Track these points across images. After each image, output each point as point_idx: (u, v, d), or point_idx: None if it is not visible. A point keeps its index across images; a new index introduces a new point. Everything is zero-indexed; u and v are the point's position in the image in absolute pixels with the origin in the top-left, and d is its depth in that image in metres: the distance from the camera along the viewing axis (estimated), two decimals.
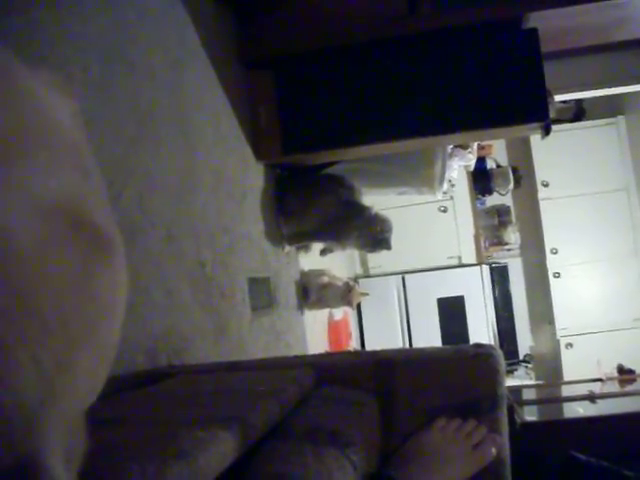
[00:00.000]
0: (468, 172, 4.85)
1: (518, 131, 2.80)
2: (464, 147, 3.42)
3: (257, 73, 2.62)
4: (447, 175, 3.29)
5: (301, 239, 2.91)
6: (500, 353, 1.29)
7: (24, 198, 0.35)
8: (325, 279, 3.15)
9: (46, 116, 0.41)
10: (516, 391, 3.89)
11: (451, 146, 3.31)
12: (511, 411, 2.96)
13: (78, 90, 1.38)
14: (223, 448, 0.76)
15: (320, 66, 2.63)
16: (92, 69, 1.46)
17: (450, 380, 1.24)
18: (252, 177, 2.58)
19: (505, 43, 2.51)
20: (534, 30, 2.48)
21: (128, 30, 1.67)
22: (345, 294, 3.10)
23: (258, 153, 2.62)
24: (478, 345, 1.31)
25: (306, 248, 3.11)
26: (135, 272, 1.52)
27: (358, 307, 5.00)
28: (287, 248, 2.90)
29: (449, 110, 2.50)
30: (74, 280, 0.38)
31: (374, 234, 2.81)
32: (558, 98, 3.73)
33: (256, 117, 2.60)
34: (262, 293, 2.52)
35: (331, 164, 2.99)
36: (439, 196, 3.65)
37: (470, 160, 3.54)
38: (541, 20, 2.51)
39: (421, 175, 3.25)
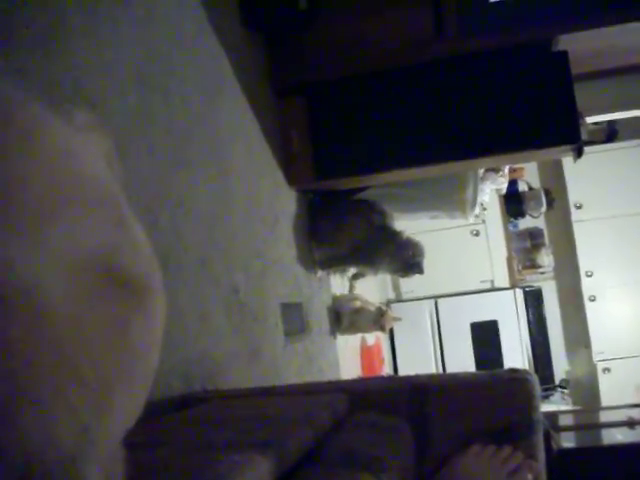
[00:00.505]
0: (500, 195, 4.83)
1: (550, 153, 2.80)
2: (496, 170, 3.41)
3: (289, 99, 2.66)
4: (479, 199, 3.28)
5: (333, 263, 2.92)
6: (535, 378, 1.28)
7: (56, 255, 0.36)
8: (358, 304, 3.15)
9: (77, 171, 0.42)
10: (552, 417, 3.82)
11: (483, 170, 3.31)
12: (547, 437, 2.91)
13: (116, 117, 1.42)
14: (258, 472, 0.77)
15: (350, 91, 2.65)
16: (129, 97, 1.49)
17: (485, 405, 1.23)
18: (284, 202, 2.60)
19: (535, 66, 2.52)
20: (564, 53, 2.48)
21: (162, 59, 1.71)
22: (378, 318, 3.09)
23: (290, 178, 2.64)
24: (513, 370, 1.30)
25: (341, 272, 3.12)
26: (169, 297, 1.53)
27: (391, 332, 4.98)
28: (319, 273, 2.91)
29: (480, 134, 2.51)
30: (109, 331, 0.40)
31: (406, 259, 2.80)
32: (590, 120, 3.71)
33: (288, 142, 2.63)
34: (295, 318, 2.53)
35: (363, 189, 3.00)
36: (471, 220, 3.64)
37: (502, 183, 3.53)
38: (572, 42, 2.51)
39: (453, 199, 3.24)
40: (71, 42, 1.29)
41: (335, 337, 3.09)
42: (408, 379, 1.33)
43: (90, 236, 0.39)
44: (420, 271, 2.89)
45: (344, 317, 3.08)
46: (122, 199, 0.47)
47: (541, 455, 1.23)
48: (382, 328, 3.13)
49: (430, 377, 1.33)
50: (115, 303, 0.41)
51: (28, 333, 0.33)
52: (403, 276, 2.95)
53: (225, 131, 2.09)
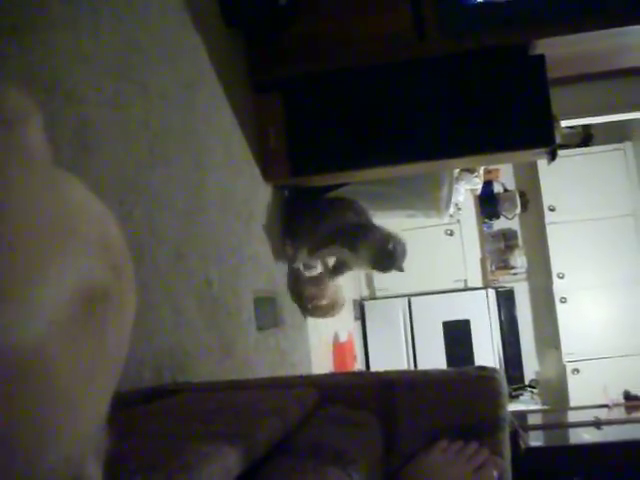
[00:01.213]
0: (475, 196, 4.87)
1: (524, 156, 2.83)
2: (471, 171, 3.45)
3: (266, 95, 2.66)
4: (454, 198, 3.31)
5: (313, 251, 2.89)
6: (503, 376, 1.30)
7: (46, 307, 0.37)
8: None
9: (78, 212, 0.44)
10: (521, 416, 3.87)
11: (458, 170, 3.34)
12: (516, 436, 2.95)
13: (92, 109, 1.41)
14: (227, 463, 0.77)
15: (328, 89, 2.66)
16: (105, 90, 1.49)
17: (453, 402, 1.25)
18: (260, 198, 2.61)
19: (512, 69, 2.54)
20: (541, 56, 2.51)
21: (141, 52, 1.70)
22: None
23: (266, 174, 2.64)
24: (481, 368, 1.32)
25: (322, 258, 3.07)
26: (143, 289, 1.54)
27: (363, 329, 5.01)
28: (300, 265, 2.91)
29: (455, 134, 2.53)
30: (90, 349, 0.43)
31: (386, 251, 2.78)
32: (565, 124, 3.76)
33: (265, 139, 2.64)
34: (268, 313, 2.53)
35: (338, 186, 3.02)
36: (445, 219, 3.67)
37: (477, 184, 3.57)
38: (549, 47, 2.54)
39: (428, 198, 3.27)
40: (51, 31, 1.29)
41: (305, 317, 3.08)
42: (378, 375, 1.34)
43: (75, 271, 0.41)
44: (399, 267, 2.87)
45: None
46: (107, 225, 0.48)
47: (507, 452, 1.25)
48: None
49: (399, 373, 1.34)
50: (95, 320, 0.42)
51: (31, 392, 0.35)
52: (383, 270, 2.90)
53: (202, 125, 2.09)
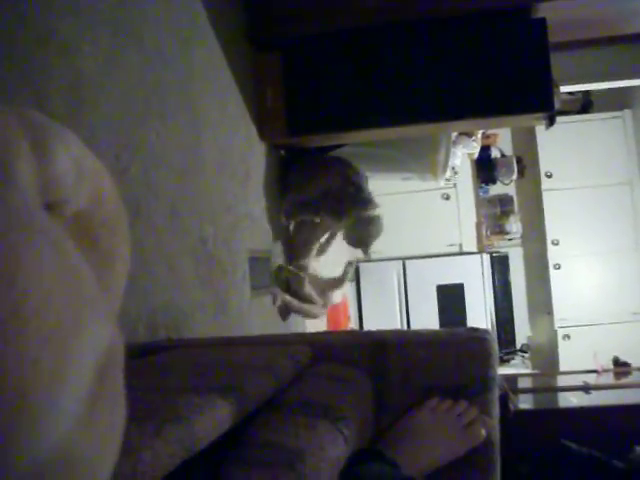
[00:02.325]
0: (472, 160, 4.86)
1: (523, 120, 2.82)
2: (469, 135, 3.43)
3: (265, 54, 2.63)
4: (451, 162, 3.30)
5: (299, 211, 2.86)
6: (494, 337, 1.32)
7: (76, 386, 0.37)
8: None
9: (82, 270, 0.43)
10: (512, 379, 3.92)
11: (456, 133, 3.32)
12: (505, 398, 2.99)
13: (88, 62, 1.40)
14: (218, 415, 0.79)
15: (327, 48, 2.63)
16: (100, 42, 1.47)
17: (443, 362, 1.26)
18: (256, 157, 2.60)
19: (513, 32, 2.52)
20: (542, 20, 2.48)
21: (137, 4, 1.68)
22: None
23: (263, 133, 2.63)
24: (473, 329, 1.33)
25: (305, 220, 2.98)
26: (138, 245, 1.54)
27: (358, 291, 5.03)
28: (284, 221, 2.88)
29: (455, 97, 2.51)
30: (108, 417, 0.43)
31: (363, 234, 2.78)
32: (565, 89, 3.73)
33: (263, 97, 2.61)
34: (263, 272, 2.54)
35: (335, 147, 3.00)
36: (442, 183, 3.66)
37: (474, 148, 3.55)
38: (551, 10, 2.51)
39: (424, 161, 3.26)
40: None
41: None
42: (370, 334, 1.36)
43: (92, 349, 0.39)
44: (365, 252, 2.94)
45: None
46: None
47: (495, 412, 1.27)
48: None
49: (392, 333, 1.35)
50: (108, 383, 0.42)
51: None
52: (353, 245, 2.95)
53: (198, 82, 2.07)
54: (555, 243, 5.34)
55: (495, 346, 1.30)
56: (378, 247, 5.19)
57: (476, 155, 3.94)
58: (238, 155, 2.38)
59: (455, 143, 3.32)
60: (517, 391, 3.56)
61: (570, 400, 3.41)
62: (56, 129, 0.65)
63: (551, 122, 2.58)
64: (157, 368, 1.14)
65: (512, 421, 2.86)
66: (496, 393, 1.29)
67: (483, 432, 1.19)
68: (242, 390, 0.88)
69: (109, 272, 0.73)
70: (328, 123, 2.61)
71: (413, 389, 1.24)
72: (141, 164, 1.60)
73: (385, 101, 2.56)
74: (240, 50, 2.50)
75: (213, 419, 0.76)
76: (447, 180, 3.61)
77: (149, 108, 1.69)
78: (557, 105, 2.61)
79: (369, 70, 2.59)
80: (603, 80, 3.82)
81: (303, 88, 2.62)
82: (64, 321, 0.37)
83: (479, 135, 3.53)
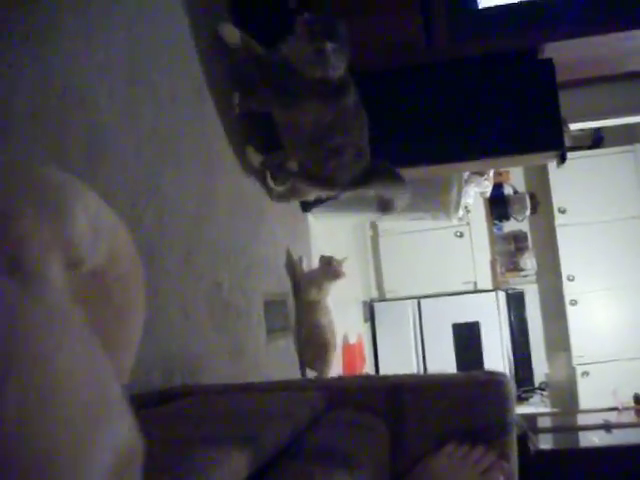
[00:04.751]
0: (485, 198, 4.88)
1: (534, 159, 2.83)
2: (480, 174, 3.45)
3: None
4: (463, 201, 3.31)
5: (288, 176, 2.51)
6: (510, 380, 1.31)
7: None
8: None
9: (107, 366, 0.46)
10: (531, 419, 3.87)
11: (467, 173, 3.34)
12: (525, 439, 2.95)
13: (104, 115, 1.43)
14: (235, 467, 0.79)
15: None
16: (117, 94, 1.50)
17: (460, 406, 1.25)
18: (269, 200, 2.62)
19: (521, 72, 2.55)
20: (549, 60, 2.52)
21: (152, 56, 1.72)
22: (325, 270, 2.88)
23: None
24: (489, 372, 1.33)
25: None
26: (153, 292, 1.55)
27: (373, 331, 5.01)
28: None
29: (465, 138, 2.54)
30: None
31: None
32: (575, 126, 3.76)
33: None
34: (278, 315, 2.55)
35: None
36: (454, 222, 3.67)
37: (486, 187, 3.57)
38: (557, 50, 2.55)
39: (437, 201, 3.28)
40: (63, 40, 1.31)
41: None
42: (386, 378, 1.35)
43: (110, 450, 0.41)
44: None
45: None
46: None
47: (513, 456, 1.26)
48: (337, 275, 2.88)
49: (407, 377, 1.35)
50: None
51: None
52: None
53: (211, 128, 2.11)
54: (571, 279, 5.32)
55: (511, 389, 1.30)
56: (393, 286, 5.21)
57: (488, 194, 3.96)
58: (251, 199, 2.40)
59: (467, 182, 3.34)
60: (537, 431, 3.51)
61: (591, 439, 3.37)
62: (75, 188, 0.67)
63: (562, 160, 2.60)
64: (173, 417, 1.15)
65: (532, 462, 2.82)
66: (514, 437, 1.28)
67: (501, 478, 1.18)
68: (258, 441, 0.88)
69: (124, 325, 0.74)
70: None
71: (429, 434, 1.24)
72: (156, 211, 1.62)
73: (395, 143, 2.59)
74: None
75: (229, 472, 0.76)
76: (460, 219, 3.61)
77: (164, 156, 1.71)
78: (567, 143, 2.64)
79: (379, 112, 2.61)
80: (613, 116, 3.85)
81: None
82: (88, 417, 0.39)
83: (491, 174, 3.55)
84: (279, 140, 2.34)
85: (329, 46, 2.02)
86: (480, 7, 2.53)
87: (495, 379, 1.27)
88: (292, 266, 2.85)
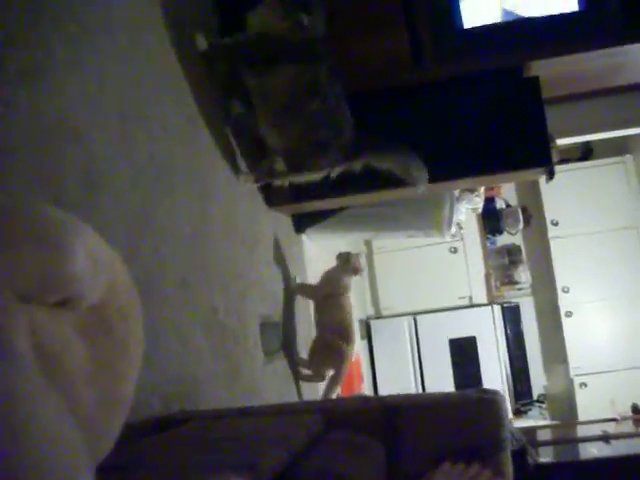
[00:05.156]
0: (477, 214, 4.91)
1: (523, 176, 2.87)
2: (471, 190, 3.49)
3: None
4: (455, 218, 3.34)
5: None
6: (503, 397, 1.34)
7: None
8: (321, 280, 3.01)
9: None
10: (530, 432, 3.88)
11: (458, 190, 3.37)
12: (524, 452, 2.96)
13: (97, 148, 1.46)
14: None
15: None
16: (110, 127, 1.53)
17: (454, 425, 1.28)
18: (264, 224, 2.65)
19: (507, 91, 2.59)
20: (535, 78, 2.56)
21: (145, 87, 1.75)
22: (346, 265, 2.91)
23: (269, 201, 2.68)
24: (482, 390, 1.35)
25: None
26: (150, 319, 1.57)
27: (370, 349, 5.02)
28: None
29: (454, 157, 2.56)
30: None
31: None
32: (563, 142, 3.80)
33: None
34: (274, 337, 2.56)
35: (339, 210, 3.05)
36: (447, 239, 3.70)
37: (478, 203, 3.60)
38: (543, 68, 2.59)
39: (429, 218, 3.31)
40: (57, 74, 1.34)
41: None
42: (381, 399, 1.38)
43: None
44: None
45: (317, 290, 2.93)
46: None
47: (509, 472, 1.28)
48: (356, 269, 2.92)
49: (402, 398, 1.38)
50: None
51: None
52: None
53: (205, 154, 2.14)
54: (565, 290, 5.34)
55: (505, 406, 1.32)
56: (389, 303, 5.23)
57: (480, 210, 3.99)
58: (245, 223, 2.43)
59: (458, 199, 3.37)
60: (536, 444, 3.52)
61: (591, 451, 3.38)
62: (73, 225, 0.69)
63: (550, 176, 2.63)
64: (171, 444, 1.17)
65: (532, 475, 2.82)
66: (508, 453, 1.30)
67: None
68: (257, 466, 0.90)
69: (124, 356, 0.76)
70: (331, 188, 2.64)
71: (426, 453, 1.26)
72: (151, 240, 1.65)
73: None
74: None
75: None
76: (453, 236, 3.65)
77: (158, 185, 1.74)
78: (555, 158, 2.67)
79: (369, 133, 2.64)
80: (600, 131, 3.90)
81: None
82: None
83: (482, 190, 3.58)
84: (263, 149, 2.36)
85: (305, 19, 2.04)
86: (465, 27, 2.58)
87: (488, 397, 1.29)
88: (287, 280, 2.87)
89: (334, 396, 2.86)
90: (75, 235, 0.67)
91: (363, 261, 2.84)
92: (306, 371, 2.89)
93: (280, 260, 2.80)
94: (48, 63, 1.32)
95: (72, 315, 0.67)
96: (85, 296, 0.67)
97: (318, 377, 2.86)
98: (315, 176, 2.42)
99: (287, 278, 2.86)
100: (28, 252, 0.61)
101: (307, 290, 3.00)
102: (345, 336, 2.83)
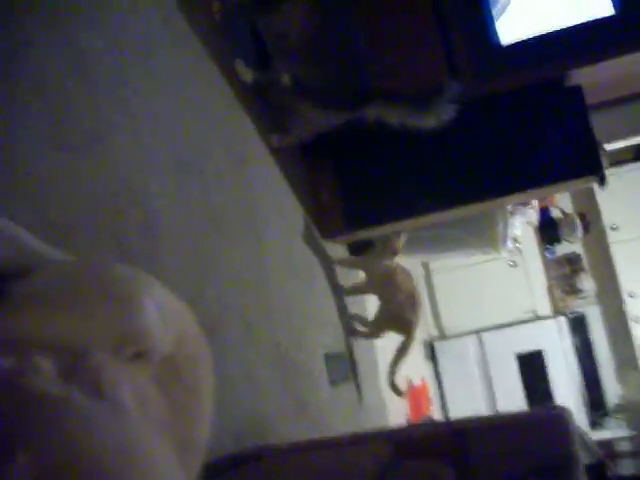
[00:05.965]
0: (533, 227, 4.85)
1: (574, 185, 2.84)
2: (524, 204, 3.46)
3: (316, 158, 2.74)
4: (510, 233, 3.32)
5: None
6: (571, 413, 1.33)
7: None
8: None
9: None
10: (608, 444, 3.78)
11: (511, 205, 3.36)
12: (602, 466, 2.89)
13: (154, 200, 1.52)
14: None
15: (376, 140, 2.70)
16: (166, 179, 1.60)
17: (524, 444, 1.28)
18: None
19: (551, 102, 2.58)
20: (578, 87, 2.54)
21: (196, 136, 1.82)
22: (387, 247, 2.89)
23: (323, 232, 2.72)
24: (550, 407, 1.35)
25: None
26: (217, 362, 1.62)
27: (436, 370, 4.98)
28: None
29: (503, 172, 2.56)
30: None
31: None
32: (617, 145, 3.74)
33: (319, 199, 2.70)
34: (339, 366, 2.58)
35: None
36: (504, 255, 3.67)
37: (532, 216, 3.57)
38: (584, 75, 2.57)
39: (484, 236, 3.30)
40: (114, 138, 1.41)
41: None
42: (449, 424, 1.39)
43: None
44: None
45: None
46: None
47: None
48: (395, 253, 2.89)
49: (470, 421, 1.38)
50: None
51: None
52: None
53: (257, 196, 2.19)
54: (632, 296, 5.20)
55: (573, 422, 1.31)
56: (452, 323, 5.19)
57: (535, 221, 3.95)
58: (301, 257, 2.47)
59: (512, 214, 3.35)
60: (615, 456, 3.43)
61: None
62: (141, 281, 0.74)
63: (602, 182, 2.60)
64: None
65: None
66: (581, 468, 1.29)
67: None
68: None
69: (197, 401, 0.80)
70: (385, 214, 2.67)
71: (497, 476, 1.26)
72: (214, 285, 1.70)
73: (436, 185, 2.63)
74: (291, 156, 2.61)
75: None
76: (510, 251, 3.62)
77: (215, 230, 1.80)
78: (605, 164, 2.64)
79: (418, 156, 2.66)
80: None
81: (357, 184, 2.71)
82: None
83: (535, 202, 3.56)
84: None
85: None
86: (503, 44, 2.58)
87: (554, 415, 1.29)
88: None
89: (402, 365, 2.88)
90: (143, 290, 0.71)
91: (403, 240, 2.79)
92: (362, 328, 2.97)
93: (337, 290, 2.83)
94: (106, 127, 1.39)
95: (146, 366, 0.71)
96: (157, 347, 0.71)
97: (374, 335, 2.98)
98: (321, 117, 2.36)
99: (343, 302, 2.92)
100: (101, 311, 0.66)
101: (361, 289, 3.04)
102: (412, 305, 2.86)
